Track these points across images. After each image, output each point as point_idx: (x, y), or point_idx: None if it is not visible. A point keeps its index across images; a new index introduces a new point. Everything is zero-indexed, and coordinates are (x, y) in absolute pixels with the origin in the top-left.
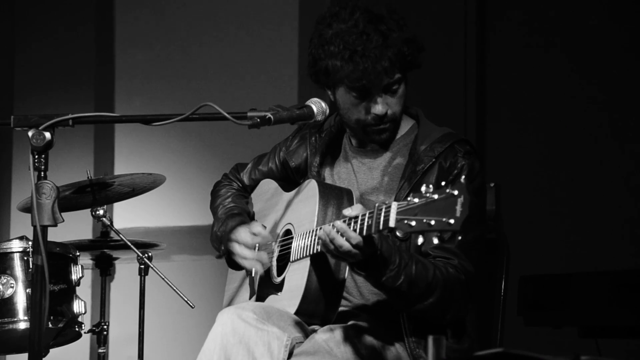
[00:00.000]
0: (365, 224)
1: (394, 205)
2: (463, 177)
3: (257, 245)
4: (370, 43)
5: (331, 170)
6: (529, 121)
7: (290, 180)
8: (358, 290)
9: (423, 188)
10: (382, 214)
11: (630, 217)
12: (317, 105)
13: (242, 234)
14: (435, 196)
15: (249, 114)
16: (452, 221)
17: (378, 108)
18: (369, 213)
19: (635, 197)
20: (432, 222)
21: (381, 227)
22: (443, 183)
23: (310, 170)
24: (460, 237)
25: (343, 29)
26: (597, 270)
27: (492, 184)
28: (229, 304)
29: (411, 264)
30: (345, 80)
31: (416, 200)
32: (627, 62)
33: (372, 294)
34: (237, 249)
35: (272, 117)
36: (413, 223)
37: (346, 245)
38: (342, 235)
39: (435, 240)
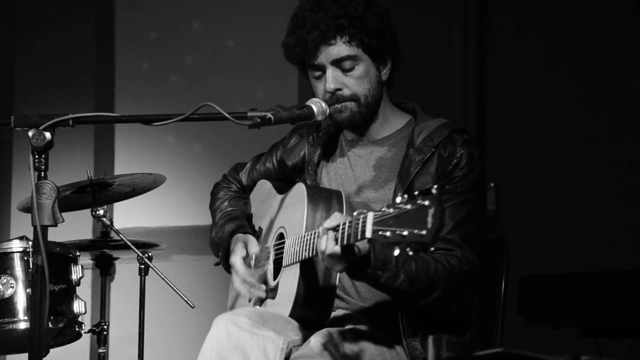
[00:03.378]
0: (346, 233)
1: (370, 216)
2: (435, 187)
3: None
4: (312, 16)
5: (328, 168)
6: (529, 121)
7: (287, 179)
8: (356, 290)
9: (398, 199)
10: (360, 224)
11: (630, 217)
12: (317, 105)
13: (238, 262)
14: (408, 207)
15: (249, 114)
16: (423, 232)
17: (327, 83)
18: (349, 222)
19: (636, 197)
20: (405, 233)
21: (359, 237)
22: (416, 193)
23: (307, 168)
24: (432, 249)
25: (301, 8)
26: (597, 270)
27: (492, 184)
28: (232, 306)
29: (410, 262)
30: (286, 54)
31: (391, 210)
32: (628, 61)
33: (370, 294)
34: (235, 278)
35: (272, 117)
36: (388, 234)
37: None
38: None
39: (410, 252)
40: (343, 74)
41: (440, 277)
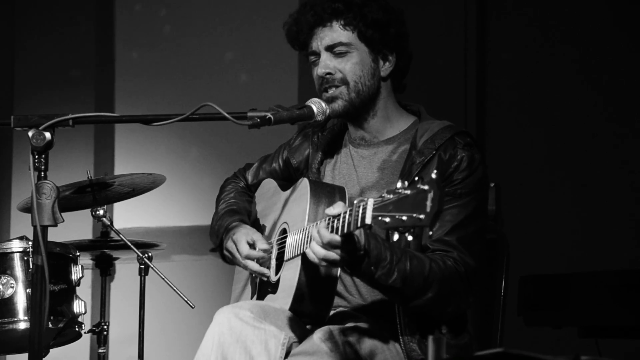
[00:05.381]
0: (347, 221)
1: (370, 202)
2: (434, 172)
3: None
4: (314, 1)
5: (332, 168)
6: (529, 121)
7: (292, 179)
8: (357, 289)
9: (398, 184)
10: (360, 211)
11: (630, 217)
12: (317, 106)
13: (242, 243)
14: (408, 192)
15: (249, 114)
16: (422, 216)
17: (319, 68)
18: (349, 210)
19: (636, 196)
20: (404, 218)
21: (359, 224)
22: (416, 178)
23: (310, 168)
24: (430, 233)
25: None
26: (597, 270)
27: (492, 184)
28: (236, 301)
29: (405, 260)
30: (286, 35)
31: (390, 196)
32: (629, 60)
33: (371, 293)
34: (236, 252)
35: (272, 117)
36: (387, 219)
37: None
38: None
39: (410, 237)
40: (336, 59)
41: (435, 277)
